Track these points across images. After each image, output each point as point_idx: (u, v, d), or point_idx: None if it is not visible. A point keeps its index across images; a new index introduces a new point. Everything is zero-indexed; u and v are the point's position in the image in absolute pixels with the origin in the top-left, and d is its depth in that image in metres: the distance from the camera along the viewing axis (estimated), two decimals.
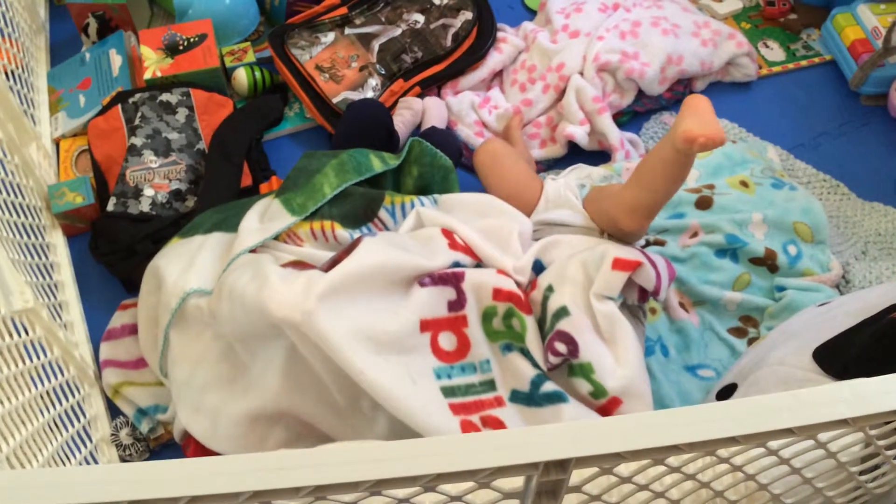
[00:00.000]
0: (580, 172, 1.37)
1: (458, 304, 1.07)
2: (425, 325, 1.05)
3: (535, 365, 1.05)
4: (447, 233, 1.14)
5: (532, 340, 1.05)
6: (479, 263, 1.13)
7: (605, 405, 1.01)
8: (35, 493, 0.53)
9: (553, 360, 1.02)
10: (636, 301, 1.09)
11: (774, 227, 1.31)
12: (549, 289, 1.06)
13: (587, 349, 1.01)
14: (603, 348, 1.02)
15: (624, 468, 0.65)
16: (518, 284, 1.09)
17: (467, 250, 1.13)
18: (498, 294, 1.06)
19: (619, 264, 1.03)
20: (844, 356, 0.97)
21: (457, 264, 1.11)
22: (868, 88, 1.58)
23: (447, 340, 1.06)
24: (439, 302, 1.07)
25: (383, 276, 1.04)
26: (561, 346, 1.01)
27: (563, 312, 1.03)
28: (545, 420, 1.02)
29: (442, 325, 1.06)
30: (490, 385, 1.06)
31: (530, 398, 1.03)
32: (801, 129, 1.58)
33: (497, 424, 1.02)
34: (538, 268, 1.13)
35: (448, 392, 1.03)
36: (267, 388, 1.05)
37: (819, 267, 1.30)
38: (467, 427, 1.00)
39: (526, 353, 1.05)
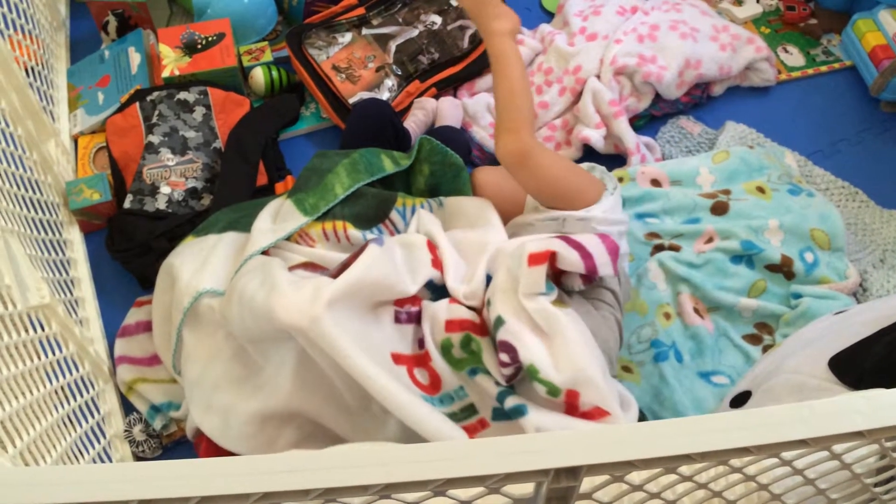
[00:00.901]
0: None
1: (423, 340, 1.08)
2: (398, 359, 1.05)
3: (498, 381, 1.04)
4: (432, 247, 1.15)
5: (488, 359, 1.05)
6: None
7: (567, 401, 0.98)
8: (47, 490, 0.54)
9: (504, 371, 1.02)
10: (582, 286, 1.08)
11: (791, 233, 1.30)
12: (489, 303, 1.06)
13: (526, 352, 0.99)
14: (540, 346, 1.00)
15: (635, 476, 0.64)
16: (473, 308, 1.09)
17: (441, 269, 1.14)
18: (450, 325, 1.06)
19: (533, 259, 1.03)
20: (860, 366, 0.96)
21: (430, 282, 1.11)
22: (888, 95, 1.57)
23: (421, 375, 1.07)
24: (410, 339, 1.08)
25: (376, 291, 1.05)
26: (504, 356, 1.01)
27: (499, 322, 1.02)
28: (522, 432, 1.00)
29: (412, 362, 1.07)
30: (470, 410, 1.06)
31: (506, 413, 1.03)
32: (819, 134, 1.56)
33: None
34: (490, 282, 1.12)
35: None
36: (278, 389, 1.05)
37: (836, 275, 1.29)
38: None
39: (488, 373, 1.05)
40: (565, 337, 1.00)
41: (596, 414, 0.97)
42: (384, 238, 1.11)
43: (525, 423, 0.99)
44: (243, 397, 1.08)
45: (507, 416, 1.03)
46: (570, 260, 1.03)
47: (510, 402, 1.01)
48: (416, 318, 1.10)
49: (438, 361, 1.07)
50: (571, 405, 0.99)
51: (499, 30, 1.14)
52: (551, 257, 1.03)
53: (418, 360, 1.08)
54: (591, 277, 1.06)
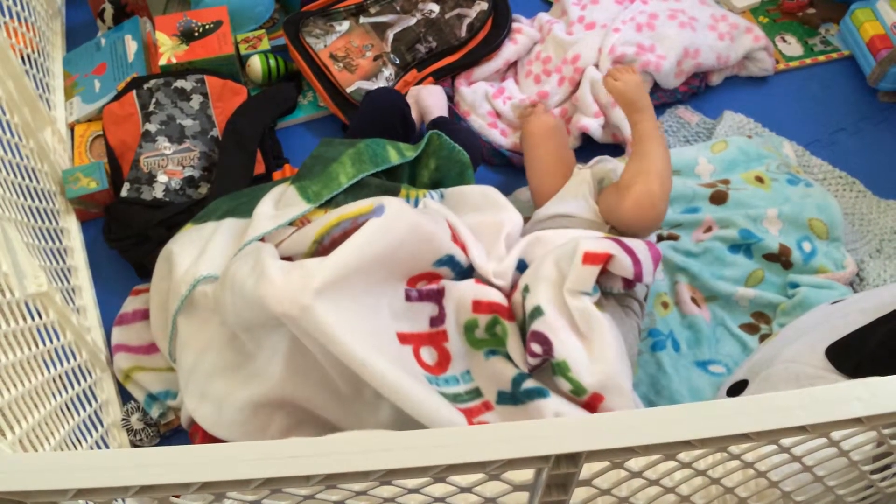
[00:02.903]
0: (605, 166, 1.34)
1: (439, 319, 1.08)
2: (404, 339, 1.05)
3: (517, 366, 1.04)
4: (450, 226, 1.14)
5: (513, 345, 1.04)
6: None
7: (588, 402, 0.99)
8: (47, 476, 0.54)
9: (531, 361, 1.02)
10: (622, 290, 1.08)
11: (789, 223, 1.31)
12: (526, 289, 1.06)
13: (562, 347, 0.99)
14: (578, 345, 1.00)
15: (634, 463, 0.65)
16: (500, 289, 1.08)
17: (464, 248, 1.13)
18: (478, 306, 1.06)
19: (588, 258, 1.02)
20: (857, 354, 0.97)
21: (451, 258, 1.10)
22: (886, 85, 1.57)
23: (428, 354, 1.06)
24: (421, 317, 1.07)
25: (386, 262, 1.03)
26: (536, 347, 1.00)
27: (537, 312, 1.02)
28: (530, 417, 1.00)
29: (422, 340, 1.06)
30: (475, 393, 1.06)
31: (514, 397, 1.03)
32: (817, 124, 1.56)
33: None
34: (522, 267, 1.12)
35: None
36: (271, 376, 1.04)
37: (833, 264, 1.29)
38: None
39: (508, 357, 1.05)
40: (602, 341, 1.00)
41: None
42: (384, 207, 1.05)
43: (545, 405, 0.99)
44: (236, 385, 1.07)
45: (513, 401, 1.03)
46: (623, 265, 1.03)
47: (528, 384, 1.01)
48: (429, 296, 1.08)
49: (455, 342, 1.06)
50: (590, 407, 0.99)
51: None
52: (607, 259, 1.02)
53: (429, 338, 1.07)
54: (633, 283, 1.06)
